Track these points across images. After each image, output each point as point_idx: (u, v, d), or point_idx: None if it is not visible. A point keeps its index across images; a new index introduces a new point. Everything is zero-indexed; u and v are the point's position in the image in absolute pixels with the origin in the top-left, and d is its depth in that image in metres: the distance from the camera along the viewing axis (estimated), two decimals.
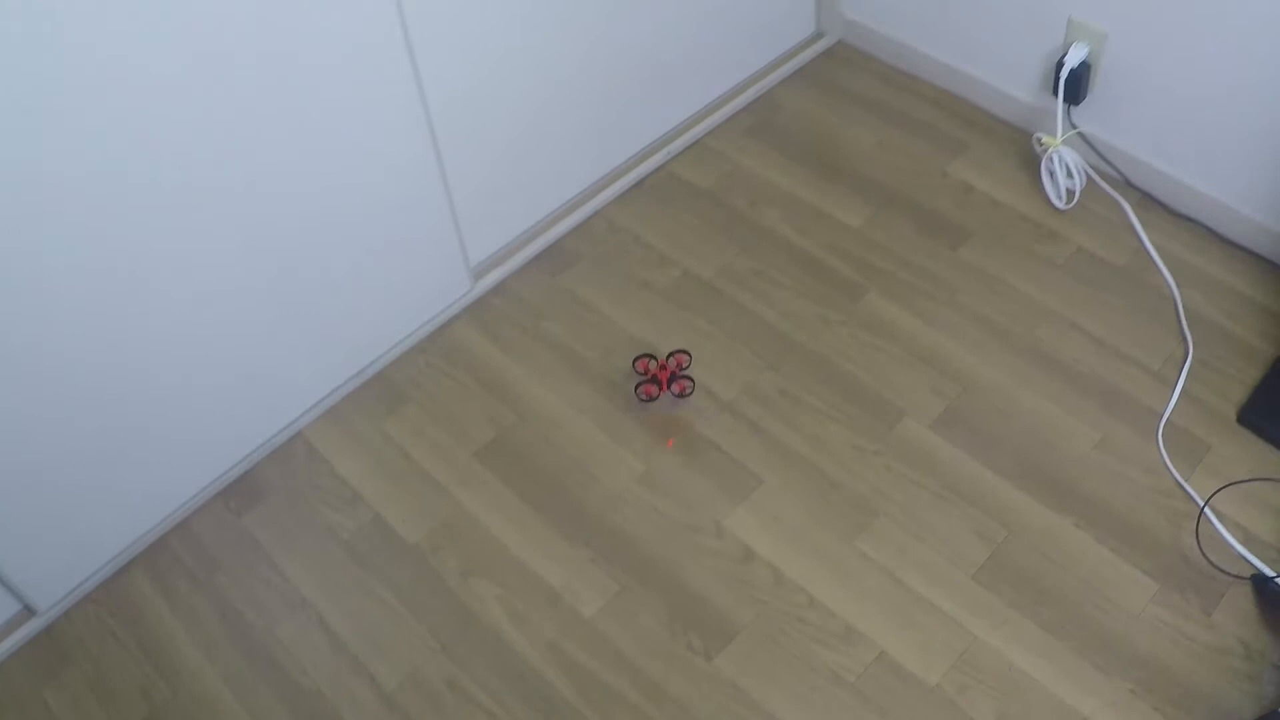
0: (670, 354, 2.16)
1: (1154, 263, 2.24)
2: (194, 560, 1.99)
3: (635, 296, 2.28)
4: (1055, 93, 2.32)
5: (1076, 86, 2.29)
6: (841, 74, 2.68)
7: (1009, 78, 2.47)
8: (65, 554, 1.91)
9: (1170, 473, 1.96)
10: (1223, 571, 1.84)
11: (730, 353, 2.18)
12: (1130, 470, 1.97)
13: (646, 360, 2.15)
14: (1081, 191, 2.35)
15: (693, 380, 2.14)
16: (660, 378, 2.13)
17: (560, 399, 2.14)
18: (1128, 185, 2.36)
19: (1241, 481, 1.93)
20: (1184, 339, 2.13)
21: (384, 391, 2.18)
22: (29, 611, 1.94)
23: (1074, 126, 2.37)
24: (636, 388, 2.13)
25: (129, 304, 1.75)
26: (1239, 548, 1.86)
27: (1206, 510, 1.90)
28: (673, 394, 2.14)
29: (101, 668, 1.89)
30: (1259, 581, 1.82)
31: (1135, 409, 2.04)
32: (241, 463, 2.08)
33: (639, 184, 2.48)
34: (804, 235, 2.35)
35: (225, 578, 1.97)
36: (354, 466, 2.08)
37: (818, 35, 2.75)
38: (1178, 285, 2.20)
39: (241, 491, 2.06)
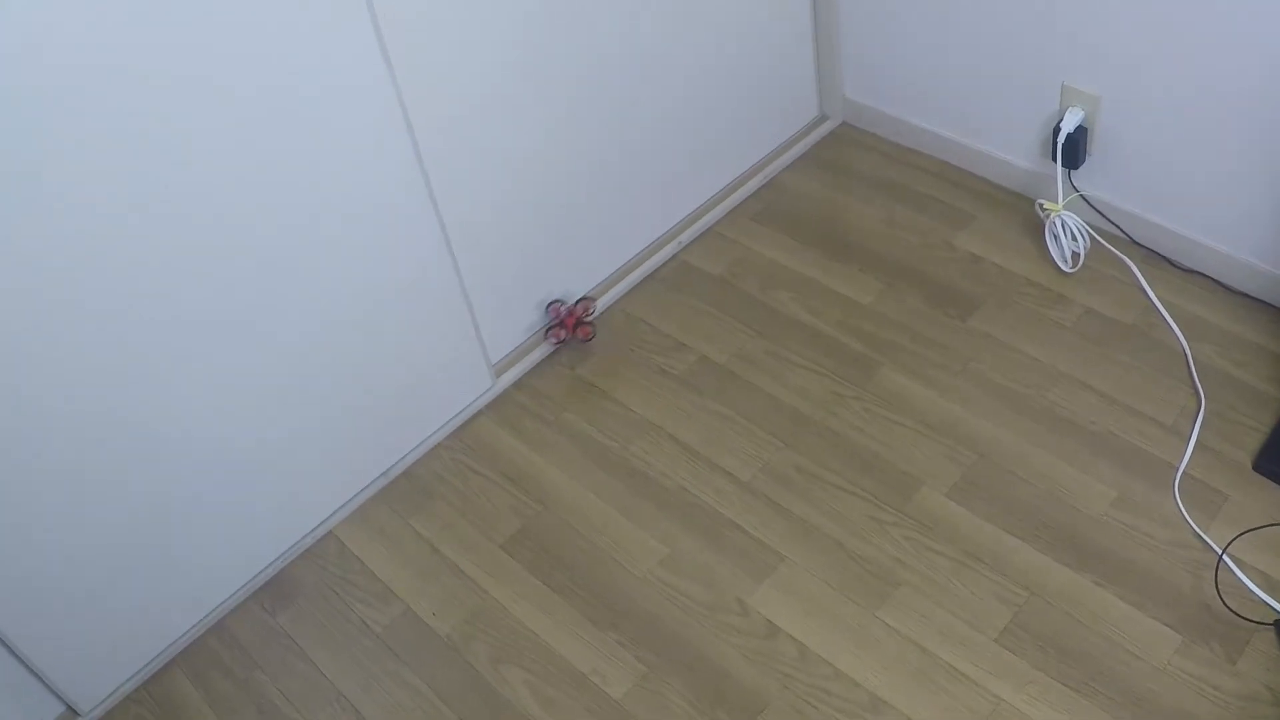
0: (579, 300, 2.38)
1: (1162, 318, 2.26)
2: (232, 659, 2.04)
3: (652, 384, 2.32)
4: (1054, 158, 2.36)
5: (1074, 150, 2.33)
6: (846, 154, 2.74)
7: (1009, 147, 2.52)
8: (106, 656, 1.96)
9: (1188, 525, 1.96)
10: (1245, 619, 1.84)
11: (747, 433, 2.21)
12: (1148, 525, 1.98)
13: (558, 305, 2.36)
14: (1086, 253, 2.38)
15: (594, 326, 2.38)
16: (567, 324, 2.34)
17: (583, 487, 2.18)
18: (1132, 243, 2.39)
19: (1259, 528, 1.93)
20: (1196, 391, 2.14)
21: (411, 489, 2.23)
22: (72, 712, 1.99)
23: (1075, 189, 2.41)
24: (546, 332, 2.36)
25: (161, 412, 1.82)
26: (1260, 594, 1.86)
27: (1225, 558, 1.90)
28: (579, 339, 2.33)
29: None
30: None
31: (1151, 464, 2.05)
32: (275, 563, 2.13)
33: (652, 275, 2.54)
34: (815, 314, 2.39)
35: (263, 675, 2.01)
36: (384, 562, 2.13)
37: (821, 118, 2.82)
38: (1187, 339, 2.22)
39: (275, 591, 2.12)
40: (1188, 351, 2.20)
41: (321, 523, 2.18)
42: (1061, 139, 2.33)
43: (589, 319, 2.35)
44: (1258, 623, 1.83)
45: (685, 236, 2.58)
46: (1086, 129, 2.32)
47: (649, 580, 2.04)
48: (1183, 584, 1.90)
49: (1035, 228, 2.47)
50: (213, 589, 2.07)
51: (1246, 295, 2.27)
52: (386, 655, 2.01)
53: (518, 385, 2.37)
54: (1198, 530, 1.95)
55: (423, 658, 1.99)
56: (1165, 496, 2.01)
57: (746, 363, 2.33)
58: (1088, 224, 2.39)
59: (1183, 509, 1.98)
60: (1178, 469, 2.04)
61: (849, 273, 2.46)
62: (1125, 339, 2.24)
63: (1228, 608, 1.86)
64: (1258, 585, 1.87)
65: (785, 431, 2.21)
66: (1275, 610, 1.84)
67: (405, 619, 2.05)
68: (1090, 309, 2.30)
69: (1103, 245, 2.40)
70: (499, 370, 2.36)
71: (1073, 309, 2.31)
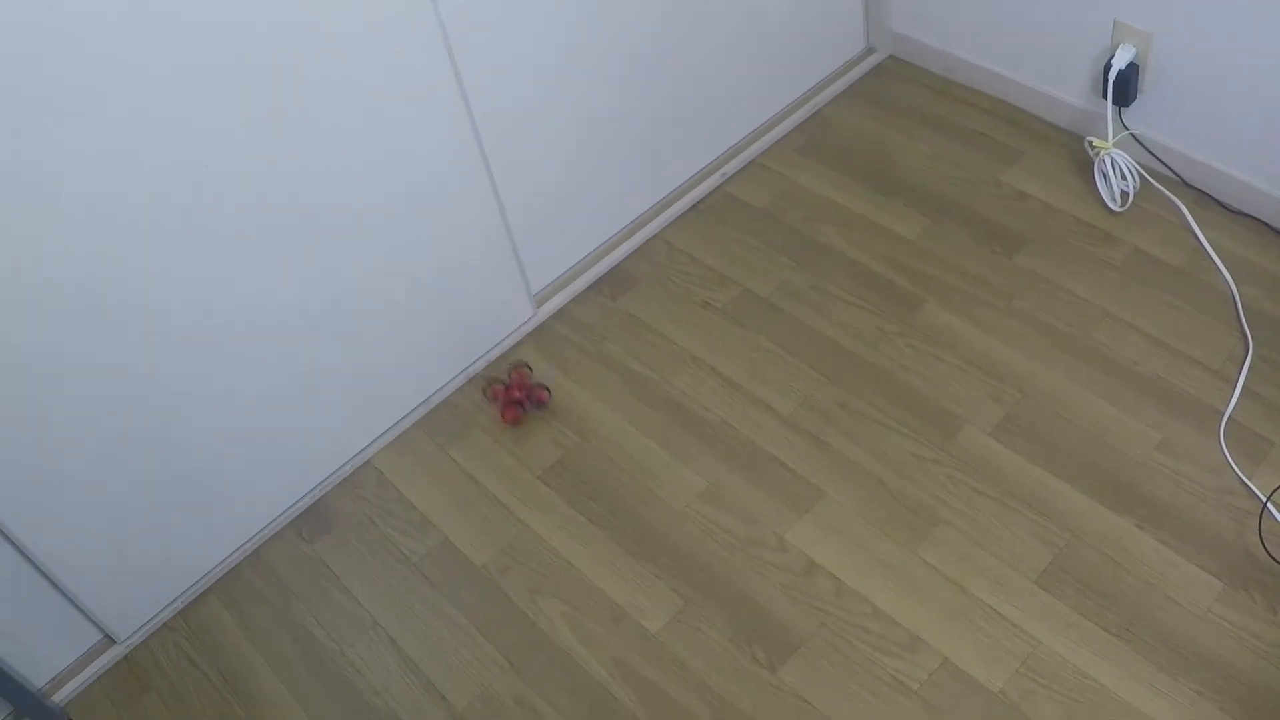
0: (540, 388, 2.22)
1: (1211, 260, 2.23)
2: (268, 587, 2.05)
3: (695, 316, 2.31)
4: (1105, 95, 2.32)
5: (1125, 88, 2.29)
6: (892, 88, 2.70)
7: (1058, 83, 2.48)
8: (144, 584, 1.97)
9: (1233, 470, 1.94)
10: None
11: (789, 368, 2.20)
12: (1192, 470, 1.96)
13: (524, 370, 2.22)
14: (1136, 193, 2.34)
15: (524, 407, 2.20)
16: (508, 396, 2.19)
17: (623, 419, 2.18)
18: (1182, 184, 2.35)
19: None
20: (1244, 335, 2.11)
21: (451, 419, 2.23)
22: (109, 640, 2.01)
23: (1125, 128, 2.37)
24: (487, 387, 2.22)
25: (206, 341, 1.82)
26: None
27: (1269, 506, 1.88)
28: (535, 403, 2.21)
29: (180, 694, 1.95)
30: None
31: (1196, 408, 2.03)
32: (313, 491, 2.14)
33: (696, 206, 2.51)
34: (860, 249, 2.37)
35: (299, 603, 2.02)
36: (422, 492, 2.13)
37: (868, 51, 2.77)
38: (1236, 282, 2.18)
39: (313, 519, 2.12)
40: (1236, 295, 2.17)
41: (360, 451, 2.18)
42: (1113, 76, 2.28)
43: (530, 392, 2.21)
44: None
45: (730, 167, 2.55)
46: (1138, 66, 2.28)
47: (688, 514, 2.03)
48: (1225, 531, 1.88)
49: (1084, 166, 2.43)
50: (250, 517, 2.08)
51: None
52: (423, 585, 2.01)
53: (559, 315, 2.36)
54: (1242, 477, 1.93)
55: (460, 588, 2.00)
56: (1210, 441, 1.99)
57: (790, 296, 2.31)
58: (1138, 163, 2.35)
59: (1228, 454, 1.96)
60: (1224, 414, 2.02)
61: (894, 207, 2.44)
62: (1173, 280, 2.21)
63: (1270, 556, 1.84)
64: None
65: (828, 366, 2.19)
66: None
67: (443, 549, 2.05)
68: (1138, 249, 2.27)
69: (1152, 185, 2.36)
70: (540, 300, 2.34)
71: (1120, 249, 2.28)
